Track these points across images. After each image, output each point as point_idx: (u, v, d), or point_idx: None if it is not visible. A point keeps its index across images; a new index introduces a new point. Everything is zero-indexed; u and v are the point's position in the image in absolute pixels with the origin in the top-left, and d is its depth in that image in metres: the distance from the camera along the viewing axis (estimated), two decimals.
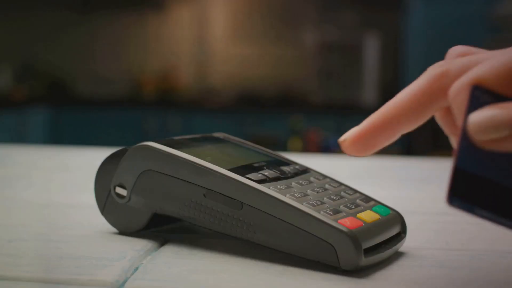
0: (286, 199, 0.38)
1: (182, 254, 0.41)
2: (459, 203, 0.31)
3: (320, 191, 0.41)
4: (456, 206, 0.32)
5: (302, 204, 0.38)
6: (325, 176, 0.44)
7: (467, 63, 0.33)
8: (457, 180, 0.31)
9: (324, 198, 0.40)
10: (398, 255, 0.41)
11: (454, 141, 0.37)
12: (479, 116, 0.30)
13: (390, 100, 0.34)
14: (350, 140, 0.35)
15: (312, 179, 0.43)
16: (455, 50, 0.37)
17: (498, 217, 0.32)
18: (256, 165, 0.42)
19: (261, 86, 4.22)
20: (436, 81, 0.33)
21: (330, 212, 0.38)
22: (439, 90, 0.33)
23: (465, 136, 0.31)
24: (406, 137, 3.52)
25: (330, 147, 3.35)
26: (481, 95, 0.31)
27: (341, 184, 0.44)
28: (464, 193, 0.31)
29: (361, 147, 0.35)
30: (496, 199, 0.32)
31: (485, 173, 0.31)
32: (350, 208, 0.40)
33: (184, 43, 4.38)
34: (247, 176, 0.39)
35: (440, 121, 0.37)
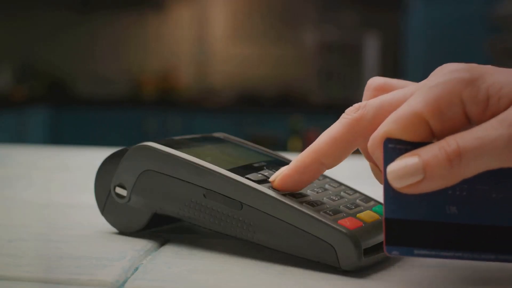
0: (286, 199, 0.38)
1: (182, 254, 0.41)
2: (397, 250, 0.34)
3: (320, 191, 0.41)
4: (394, 254, 0.34)
5: (302, 205, 0.38)
6: (325, 176, 0.44)
7: (380, 106, 0.37)
8: (390, 230, 0.34)
9: (324, 198, 0.40)
10: None
11: (374, 171, 0.42)
12: (394, 166, 0.33)
13: (312, 143, 0.38)
14: (279, 180, 0.39)
15: None
16: (372, 83, 0.41)
17: (437, 251, 0.34)
18: (256, 165, 0.42)
19: (261, 86, 4.22)
20: (353, 127, 0.38)
21: (330, 213, 0.38)
22: (356, 135, 0.38)
23: (387, 187, 0.34)
24: None
25: None
26: (395, 145, 0.34)
27: (341, 184, 0.44)
28: (399, 239, 0.34)
29: (290, 186, 0.39)
30: (431, 236, 0.34)
31: (414, 216, 0.34)
32: (350, 209, 0.40)
33: (184, 43, 4.38)
34: (247, 176, 0.39)
35: (363, 152, 0.41)
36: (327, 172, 0.46)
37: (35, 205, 0.57)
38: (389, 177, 0.34)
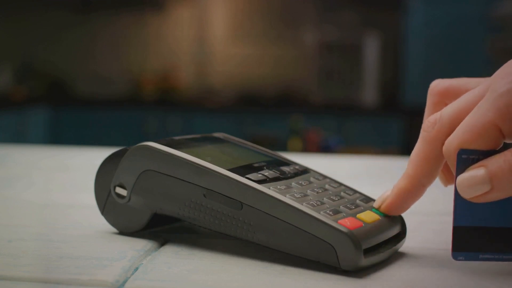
0: (286, 199, 0.38)
1: (182, 254, 0.41)
2: (463, 256, 0.37)
3: (320, 191, 0.41)
4: (461, 260, 0.37)
5: (302, 205, 0.38)
6: (325, 176, 0.44)
7: (456, 116, 0.38)
8: (457, 237, 0.37)
9: (324, 198, 0.40)
10: (398, 255, 0.41)
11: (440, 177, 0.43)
12: (464, 177, 0.36)
13: (406, 169, 0.40)
14: (383, 208, 0.41)
15: (312, 179, 0.43)
16: (435, 87, 0.42)
17: (501, 255, 0.37)
18: (256, 165, 0.42)
19: (261, 86, 4.21)
20: (435, 142, 0.38)
21: (330, 213, 0.38)
22: (441, 147, 0.38)
23: (457, 196, 0.36)
24: (406, 137, 3.52)
25: (330, 147, 3.35)
26: (468, 156, 0.36)
27: (341, 184, 0.44)
28: (466, 246, 0.37)
29: (394, 211, 0.41)
30: (496, 241, 0.37)
31: (481, 222, 0.37)
32: (350, 209, 0.40)
33: (184, 43, 4.37)
34: (247, 176, 0.39)
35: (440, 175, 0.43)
36: (327, 172, 0.46)
37: (35, 205, 0.57)
38: (459, 187, 0.36)
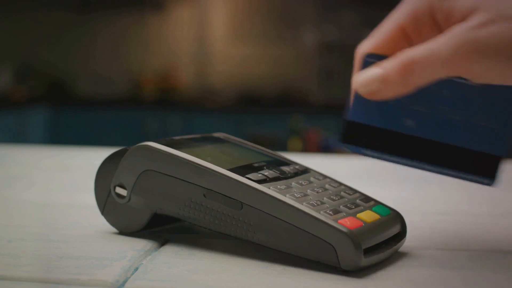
0: (286, 199, 0.38)
1: (182, 254, 0.41)
2: (349, 146, 0.41)
3: (320, 191, 0.41)
4: (346, 149, 0.41)
5: (302, 204, 0.38)
6: (325, 176, 0.44)
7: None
8: (348, 130, 0.41)
9: (324, 198, 0.40)
10: (398, 255, 0.41)
11: None
12: (360, 74, 0.39)
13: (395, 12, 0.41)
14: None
15: (312, 179, 0.43)
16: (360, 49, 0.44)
17: (383, 155, 0.41)
18: (256, 165, 0.42)
19: (261, 86, 4.21)
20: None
21: (330, 212, 0.38)
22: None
23: (356, 94, 0.40)
24: None
25: (330, 147, 3.35)
26: (373, 60, 0.40)
27: (341, 184, 0.44)
28: (354, 139, 0.41)
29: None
30: (381, 141, 0.40)
31: (371, 122, 0.40)
32: (350, 208, 0.40)
33: (184, 43, 4.37)
34: (247, 176, 0.39)
35: None
36: (327, 172, 0.46)
37: (35, 205, 0.57)
38: (355, 84, 0.40)
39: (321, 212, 0.38)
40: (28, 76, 4.24)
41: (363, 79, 0.39)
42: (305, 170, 0.44)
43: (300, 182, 0.42)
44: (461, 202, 0.62)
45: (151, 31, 4.39)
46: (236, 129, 3.68)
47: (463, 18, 0.37)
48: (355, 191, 0.43)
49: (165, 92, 4.21)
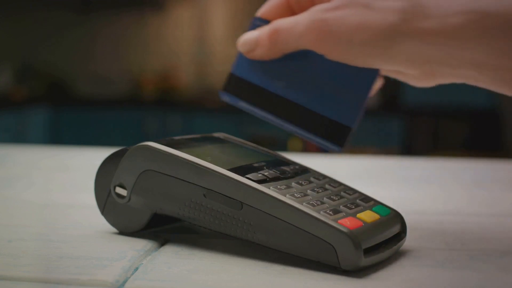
0: (286, 199, 0.38)
1: (182, 254, 0.41)
2: (228, 97, 0.47)
3: (320, 191, 0.41)
4: (225, 99, 0.47)
5: (302, 204, 0.38)
6: (325, 176, 0.44)
7: None
8: (230, 82, 0.47)
9: (324, 198, 0.40)
10: (398, 255, 0.41)
11: None
12: (245, 34, 0.46)
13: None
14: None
15: (312, 179, 0.43)
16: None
17: (253, 108, 0.46)
18: (256, 165, 0.42)
19: None
20: None
21: (330, 212, 0.38)
22: None
23: (240, 53, 0.46)
24: (406, 137, 3.52)
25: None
26: (260, 23, 0.46)
27: (341, 184, 0.44)
28: (233, 91, 0.46)
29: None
30: (253, 96, 0.46)
31: (251, 79, 0.46)
32: (350, 208, 0.40)
33: (184, 43, 4.38)
34: (247, 176, 0.39)
35: None
36: (327, 172, 0.46)
37: (35, 205, 0.57)
38: (238, 43, 0.46)
39: (321, 212, 0.38)
40: (28, 76, 4.24)
41: (244, 38, 0.45)
42: (305, 170, 0.44)
43: (300, 182, 0.42)
44: (461, 202, 0.62)
45: (151, 31, 4.39)
46: (236, 129, 3.68)
47: None
48: (355, 191, 0.43)
49: (165, 92, 4.20)
